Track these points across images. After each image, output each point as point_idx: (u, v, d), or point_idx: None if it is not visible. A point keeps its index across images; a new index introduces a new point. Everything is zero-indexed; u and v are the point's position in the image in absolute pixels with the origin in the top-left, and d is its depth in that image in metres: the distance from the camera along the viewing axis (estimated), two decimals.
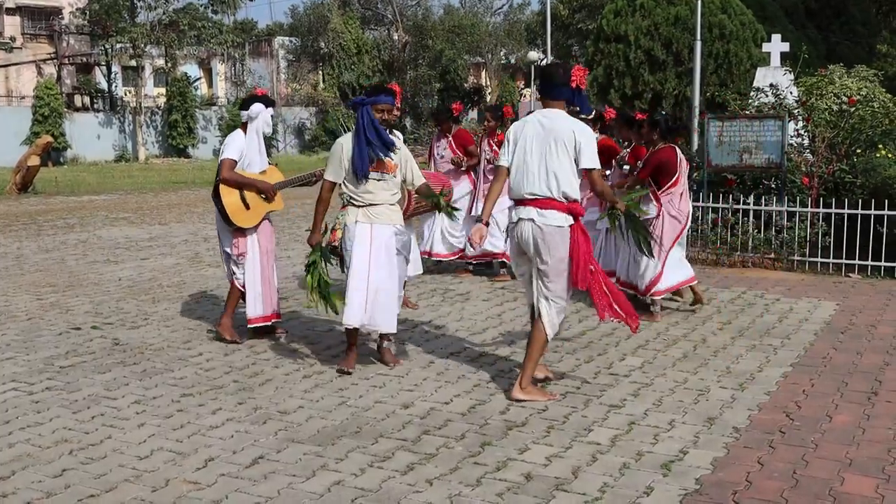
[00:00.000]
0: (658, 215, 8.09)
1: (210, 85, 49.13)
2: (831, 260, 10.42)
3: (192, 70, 45.84)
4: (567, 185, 5.58)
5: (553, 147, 5.57)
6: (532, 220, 5.62)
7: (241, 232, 7.11)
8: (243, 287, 7.20)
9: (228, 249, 7.17)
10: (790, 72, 13.85)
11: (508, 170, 5.76)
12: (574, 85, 5.67)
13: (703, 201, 11.10)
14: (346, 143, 6.31)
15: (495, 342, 7.32)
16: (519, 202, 5.72)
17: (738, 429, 5.22)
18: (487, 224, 5.86)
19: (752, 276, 10.27)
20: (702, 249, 11.08)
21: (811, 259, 10.52)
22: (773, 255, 10.68)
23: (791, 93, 13.07)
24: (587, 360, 6.77)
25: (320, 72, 45.89)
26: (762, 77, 13.96)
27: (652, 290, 8.13)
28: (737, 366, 6.59)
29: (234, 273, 7.20)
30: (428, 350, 7.08)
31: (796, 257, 10.57)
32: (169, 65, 40.43)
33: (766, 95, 12.54)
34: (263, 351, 7.06)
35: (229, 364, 6.68)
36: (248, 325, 7.28)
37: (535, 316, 5.83)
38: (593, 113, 9.06)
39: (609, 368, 6.53)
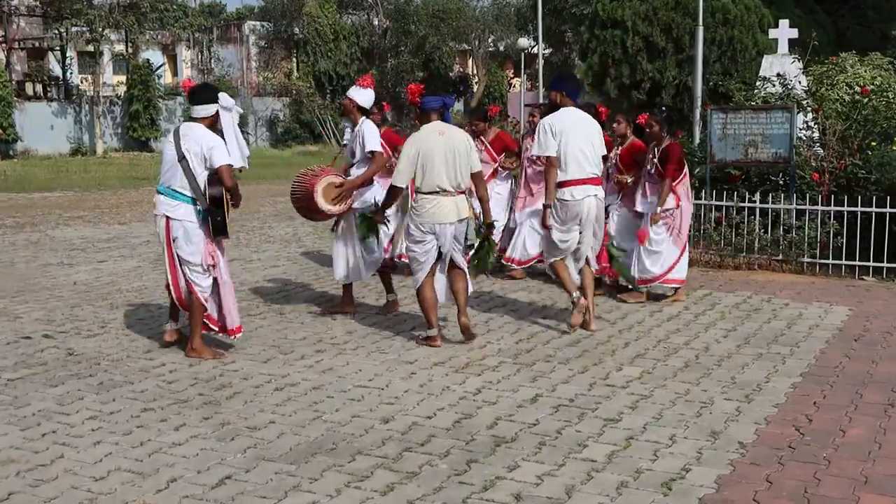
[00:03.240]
0: (677, 206, 8.86)
1: (175, 73, 48.96)
2: (844, 262, 10.46)
3: (155, 56, 45.61)
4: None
5: (592, 135, 7.76)
6: (596, 196, 7.75)
7: (214, 241, 7.06)
8: (206, 300, 7.10)
9: (198, 259, 7.02)
10: (798, 59, 13.91)
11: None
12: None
13: (705, 199, 11.13)
14: None
15: (482, 351, 7.30)
16: (577, 182, 7.66)
17: (744, 444, 5.22)
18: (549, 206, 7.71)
19: (758, 279, 10.30)
20: (704, 251, 11.11)
21: (822, 261, 10.56)
22: (780, 257, 10.71)
23: (800, 82, 13.13)
24: (581, 370, 6.76)
25: (294, 59, 45.79)
26: (769, 65, 14.01)
27: (669, 277, 8.97)
28: (742, 376, 6.59)
29: (197, 286, 7.07)
30: (409, 360, 7.05)
31: (806, 259, 10.60)
32: (129, 51, 40.26)
33: (773, 85, 12.59)
34: (232, 362, 7.02)
35: (194, 376, 6.63)
36: (233, 337, 7.21)
37: (582, 265, 7.91)
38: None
39: (605, 379, 6.52)
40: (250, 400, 6.08)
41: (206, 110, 7.01)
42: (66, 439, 5.36)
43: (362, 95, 8.29)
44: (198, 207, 6.92)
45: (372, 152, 8.05)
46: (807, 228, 10.61)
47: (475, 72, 49.03)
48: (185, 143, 6.91)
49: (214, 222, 6.92)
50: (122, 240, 13.72)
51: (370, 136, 8.07)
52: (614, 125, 9.32)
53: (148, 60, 40.56)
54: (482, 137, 10.48)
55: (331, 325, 8.19)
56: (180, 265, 7.04)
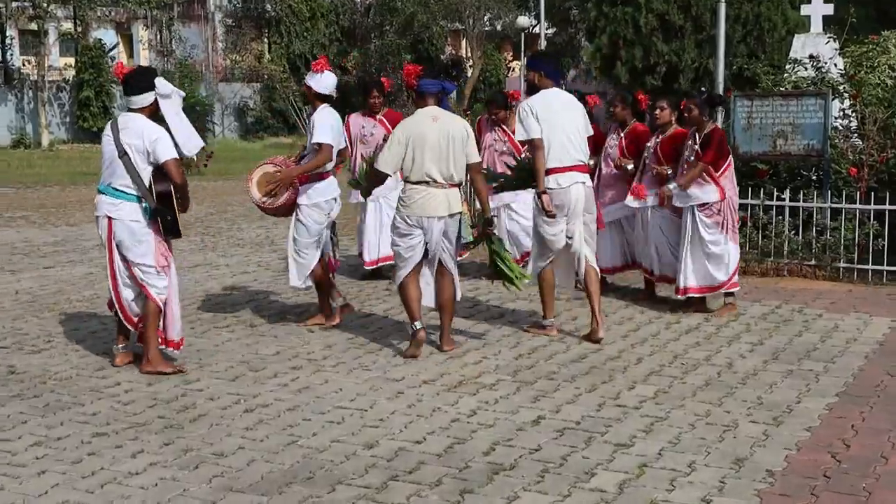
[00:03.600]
0: (723, 198, 8.84)
1: (130, 55, 48.89)
2: (885, 267, 10.50)
3: (108, 36, 45.50)
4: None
5: (577, 118, 8.10)
6: (583, 183, 8.04)
7: (165, 241, 7.10)
8: (163, 303, 7.12)
9: (150, 260, 7.03)
10: (834, 39, 13.92)
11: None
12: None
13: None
14: None
15: (478, 367, 7.32)
16: (563, 169, 7.92)
17: (772, 472, 5.23)
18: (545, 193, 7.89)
19: (788, 286, 10.33)
20: None
21: (860, 266, 10.59)
22: (813, 262, 10.74)
23: (835, 64, 13.14)
24: (589, 388, 6.77)
25: (266, 40, 45.77)
26: (800, 46, 14.03)
27: (734, 280, 8.97)
28: (770, 396, 6.61)
29: (153, 288, 7.08)
30: (396, 377, 7.06)
31: (842, 264, 10.63)
32: (79, 29, 40.19)
33: (805, 68, 12.61)
34: (196, 380, 7.02)
35: (153, 396, 6.63)
36: (171, 349, 7.25)
37: (583, 266, 8.11)
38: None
39: (616, 399, 6.54)
40: (216, 423, 6.07)
41: (143, 99, 7.02)
42: (7, 469, 5.35)
43: (319, 81, 8.35)
44: (144, 205, 6.96)
45: (319, 144, 8.14)
46: (843, 230, 10.63)
47: (469, 54, 49.03)
48: (125, 137, 6.94)
49: (164, 222, 6.96)
50: (72, 243, 13.70)
51: (319, 126, 8.17)
52: (656, 112, 9.25)
53: (100, 40, 40.47)
54: (503, 126, 10.49)
55: (307, 339, 8.19)
56: (129, 269, 7.07)
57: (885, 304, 9.47)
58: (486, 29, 49.22)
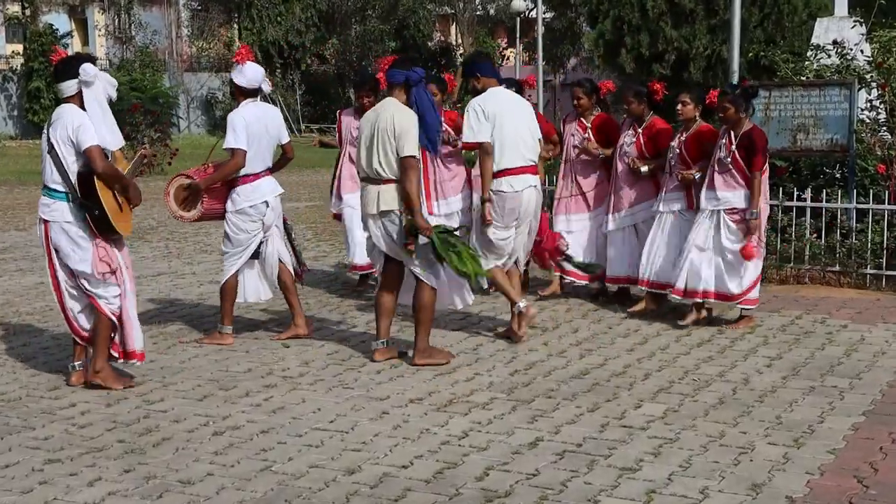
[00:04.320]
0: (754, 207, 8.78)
1: (85, 41, 48.88)
2: None
3: (61, 21, 45.48)
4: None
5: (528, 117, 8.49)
6: (535, 187, 8.42)
7: (109, 242, 7.06)
8: (115, 315, 7.12)
9: (86, 267, 7.01)
10: (860, 23, 13.98)
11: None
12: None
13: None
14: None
15: (469, 385, 7.34)
16: (516, 171, 8.27)
17: (793, 499, 5.25)
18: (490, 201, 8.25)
19: (810, 295, 10.36)
20: None
21: (889, 272, 10.62)
22: (837, 268, 10.77)
23: (862, 51, 13.19)
24: (591, 407, 6.80)
25: (235, 26, 45.79)
26: (823, 31, 14.10)
27: (748, 297, 8.91)
28: (790, 415, 6.64)
29: (101, 299, 7.08)
30: (380, 396, 7.07)
31: (869, 270, 10.67)
32: (27, 13, 40.14)
33: (829, 55, 12.64)
34: (159, 400, 7.02)
35: (112, 418, 6.63)
36: (128, 362, 7.26)
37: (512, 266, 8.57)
38: None
39: (621, 419, 6.56)
40: (182, 447, 6.07)
41: (68, 87, 7.04)
42: None
43: (240, 74, 8.45)
44: (72, 204, 6.96)
45: (231, 150, 8.23)
46: (870, 233, 10.67)
47: (459, 41, 49.15)
48: (53, 130, 6.97)
49: (92, 217, 6.93)
50: (21, 249, 13.68)
51: (229, 129, 8.28)
52: (678, 108, 9.16)
53: (51, 26, 40.43)
54: None
55: (282, 355, 8.20)
56: (72, 279, 7.09)
57: None
58: (478, 13, 49.39)
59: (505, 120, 8.24)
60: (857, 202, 10.83)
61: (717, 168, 8.85)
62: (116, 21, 45.26)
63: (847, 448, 5.99)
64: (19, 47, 42.02)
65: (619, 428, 6.37)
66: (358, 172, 7.94)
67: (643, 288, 9.47)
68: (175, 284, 11.23)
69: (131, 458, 5.88)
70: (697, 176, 9.00)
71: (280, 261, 8.61)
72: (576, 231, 10.08)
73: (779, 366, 7.81)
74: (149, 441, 6.19)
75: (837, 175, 11.57)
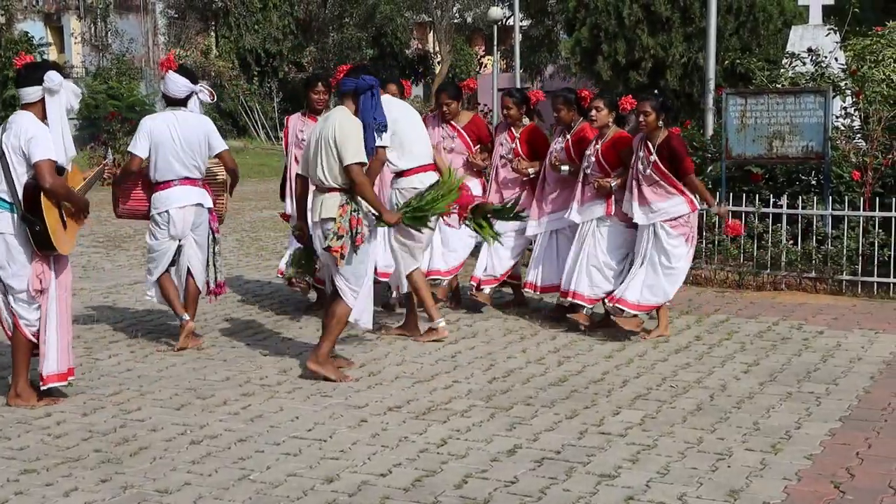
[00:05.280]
0: (694, 209, 8.82)
1: (61, 49, 48.65)
2: (891, 280, 10.58)
3: (36, 29, 45.20)
4: None
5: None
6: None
7: (45, 260, 6.96)
8: (35, 336, 7.06)
9: (21, 284, 6.91)
10: (835, 31, 14.05)
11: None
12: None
13: (720, 203, 11.17)
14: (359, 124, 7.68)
15: (447, 392, 7.33)
16: (424, 168, 8.86)
17: None
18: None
19: (786, 301, 10.40)
20: (720, 267, 11.18)
21: (865, 278, 10.67)
22: (813, 274, 10.81)
23: (836, 59, 13.27)
24: (570, 414, 6.80)
25: (213, 34, 45.68)
26: (798, 39, 14.17)
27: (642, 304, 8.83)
28: (768, 421, 6.66)
29: (22, 319, 6.99)
30: (358, 404, 7.06)
31: (845, 276, 10.72)
32: (2, 21, 39.93)
33: (804, 63, 12.71)
34: (136, 409, 6.99)
35: (88, 427, 6.60)
36: (42, 386, 7.10)
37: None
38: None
39: (599, 426, 6.56)
40: (160, 456, 6.05)
41: (30, 94, 6.93)
42: None
43: (164, 85, 8.51)
44: (16, 216, 6.87)
45: (130, 153, 8.40)
46: (846, 239, 10.71)
47: (437, 49, 49.14)
48: (6, 137, 6.86)
49: (32, 232, 6.81)
50: None
51: (135, 134, 8.36)
52: (592, 113, 9.06)
53: (27, 34, 40.16)
54: (452, 122, 10.30)
55: (260, 363, 8.18)
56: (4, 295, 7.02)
57: (892, 320, 9.55)
58: (456, 21, 49.38)
59: (405, 122, 8.81)
60: (833, 209, 10.88)
61: (642, 181, 8.74)
62: (93, 29, 45.06)
63: (824, 454, 6.01)
64: None
65: (598, 435, 6.38)
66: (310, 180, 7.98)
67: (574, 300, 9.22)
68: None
69: (108, 468, 5.85)
70: (614, 184, 8.91)
71: (189, 272, 8.58)
72: (504, 238, 10.10)
73: (756, 372, 7.83)
74: (126, 450, 6.16)
75: (813, 182, 11.61)
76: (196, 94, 8.46)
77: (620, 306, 8.75)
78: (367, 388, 7.45)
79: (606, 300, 8.96)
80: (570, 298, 9.12)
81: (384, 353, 8.41)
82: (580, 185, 9.19)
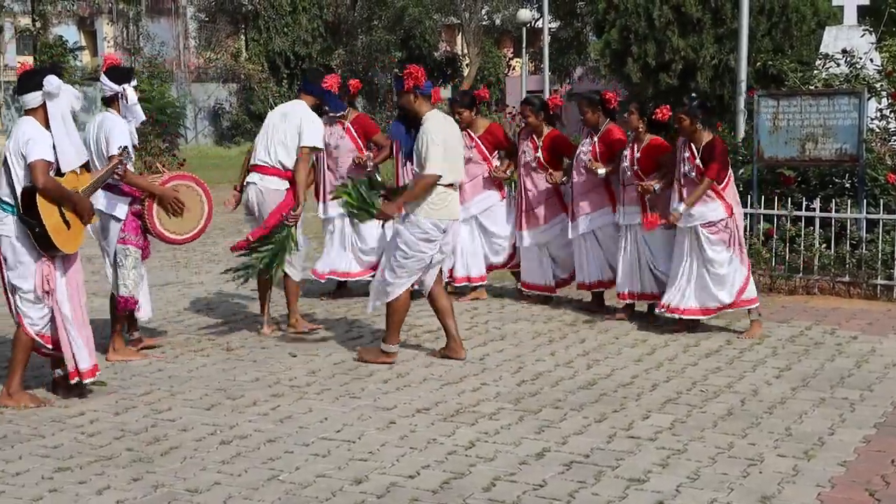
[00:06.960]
0: (730, 214, 8.90)
1: (94, 53, 49.02)
2: None
3: (70, 33, 45.67)
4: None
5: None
6: (255, 184, 9.04)
7: (52, 261, 7.00)
8: (39, 336, 7.09)
9: (28, 285, 6.95)
10: (870, 31, 13.96)
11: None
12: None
13: (752, 207, 11.15)
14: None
15: (476, 395, 7.33)
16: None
17: None
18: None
19: (819, 305, 10.34)
20: (752, 271, 11.11)
21: None
22: (847, 279, 10.75)
23: (871, 60, 13.18)
24: (599, 418, 6.78)
25: (243, 36, 45.89)
26: (832, 39, 14.09)
27: (743, 298, 8.98)
28: (800, 426, 6.62)
29: (26, 318, 7.02)
30: (387, 406, 7.07)
31: (880, 281, 10.64)
32: (38, 25, 40.25)
33: (838, 64, 12.64)
34: (167, 409, 7.02)
35: (121, 427, 6.63)
36: (75, 381, 7.14)
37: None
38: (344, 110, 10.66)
39: (628, 430, 6.54)
40: (190, 456, 6.07)
41: (31, 100, 6.99)
42: None
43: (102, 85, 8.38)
44: (17, 218, 6.91)
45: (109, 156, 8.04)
46: (880, 243, 10.64)
47: (465, 51, 49.20)
48: (9, 142, 6.93)
49: (33, 233, 6.87)
50: None
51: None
52: (626, 115, 9.39)
53: (61, 38, 40.58)
54: (469, 130, 10.36)
55: (289, 364, 8.20)
56: (12, 293, 7.05)
57: None
58: (484, 23, 49.37)
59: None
60: (867, 212, 10.80)
61: (683, 183, 8.91)
62: (125, 32, 45.37)
63: (858, 460, 5.97)
64: (30, 59, 42.15)
65: (627, 439, 6.36)
66: (445, 179, 8.04)
67: (624, 301, 9.75)
68: (182, 294, 11.23)
69: (139, 467, 5.89)
70: (657, 187, 9.07)
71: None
72: (529, 245, 10.32)
73: (788, 377, 7.78)
74: (157, 450, 6.19)
75: (847, 185, 11.54)
76: (120, 94, 8.23)
77: (677, 315, 9.06)
78: (395, 390, 7.46)
79: (668, 311, 9.13)
80: (629, 300, 9.66)
81: (412, 356, 8.41)
82: (622, 187, 9.47)
